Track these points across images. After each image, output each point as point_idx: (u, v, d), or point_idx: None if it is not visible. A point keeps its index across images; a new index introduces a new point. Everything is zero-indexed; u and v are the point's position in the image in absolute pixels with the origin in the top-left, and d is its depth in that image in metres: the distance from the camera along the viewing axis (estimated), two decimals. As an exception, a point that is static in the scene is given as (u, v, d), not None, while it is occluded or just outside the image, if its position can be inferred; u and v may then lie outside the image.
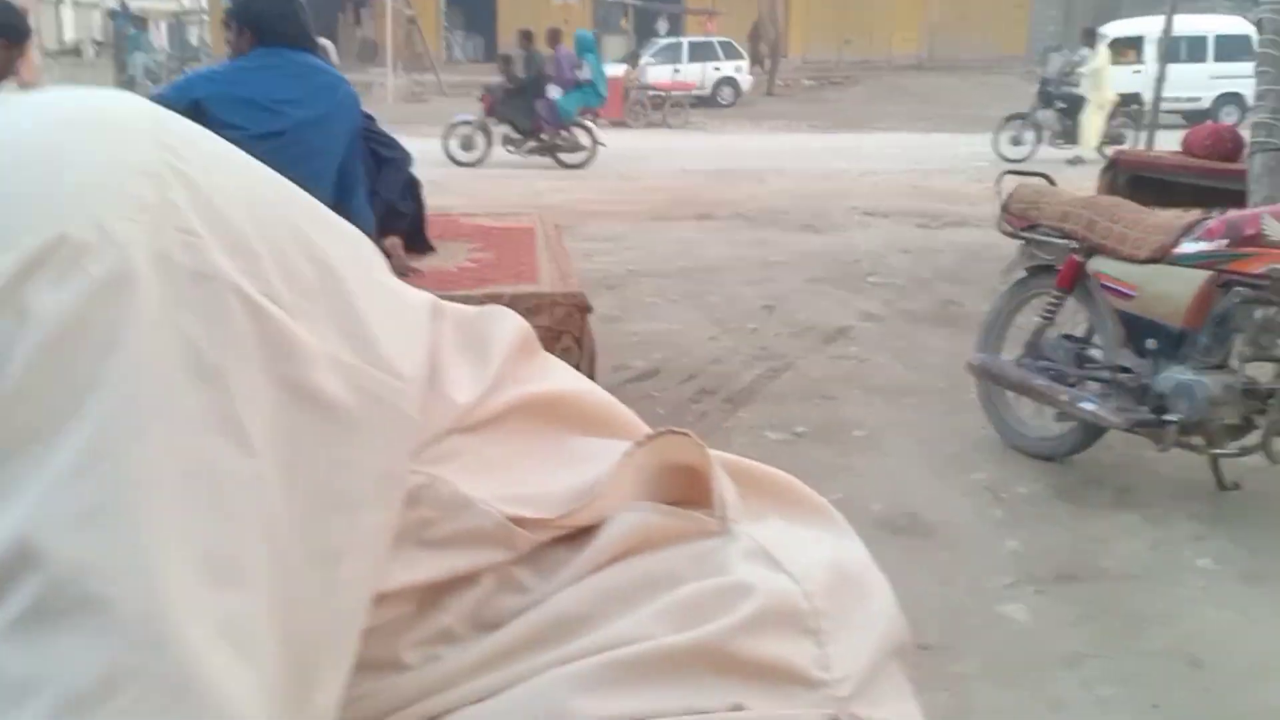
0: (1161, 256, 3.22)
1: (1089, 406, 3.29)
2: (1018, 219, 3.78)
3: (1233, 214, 3.23)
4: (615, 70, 21.04)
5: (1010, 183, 3.95)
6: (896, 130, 17.17)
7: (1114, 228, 3.40)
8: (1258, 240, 3.01)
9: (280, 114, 3.10)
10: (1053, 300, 3.60)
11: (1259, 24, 5.19)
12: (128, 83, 18.00)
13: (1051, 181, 3.95)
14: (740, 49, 24.12)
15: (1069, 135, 13.01)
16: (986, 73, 25.92)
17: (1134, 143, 12.10)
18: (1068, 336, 3.63)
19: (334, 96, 3.28)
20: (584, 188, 10.45)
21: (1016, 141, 12.82)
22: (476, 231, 4.24)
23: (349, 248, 0.58)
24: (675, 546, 0.59)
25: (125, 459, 0.44)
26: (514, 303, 2.89)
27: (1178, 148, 6.68)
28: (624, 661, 0.54)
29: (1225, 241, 3.07)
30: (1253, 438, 3.07)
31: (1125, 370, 3.30)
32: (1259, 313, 3.06)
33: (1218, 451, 3.16)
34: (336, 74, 3.45)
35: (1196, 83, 18.26)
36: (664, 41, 24.32)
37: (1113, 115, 12.80)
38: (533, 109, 12.38)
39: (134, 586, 0.43)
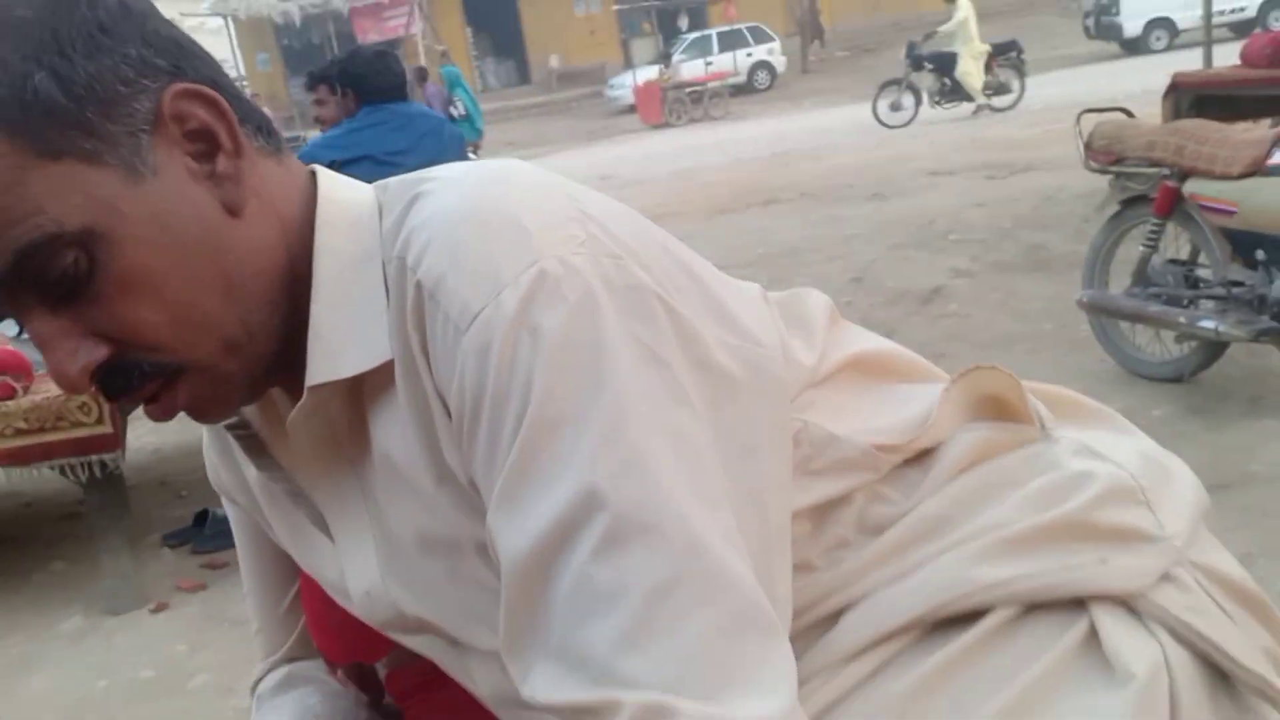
0: (1256, 169, 3.27)
1: (1209, 324, 3.34)
2: (1103, 154, 3.83)
3: (1322, 117, 3.27)
4: (649, 73, 21.24)
5: (1089, 121, 4.01)
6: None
7: (1203, 149, 3.44)
8: (1352, 137, 3.05)
9: (396, 165, 3.29)
10: (1153, 229, 3.65)
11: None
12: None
13: (1130, 114, 4.00)
14: (770, 32, 24.13)
15: (951, 94, 13.11)
16: (1020, 16, 25.62)
17: (1020, 91, 12.37)
18: (1174, 261, 3.68)
19: (440, 140, 3.48)
20: (642, 193, 10.60)
21: (896, 107, 12.89)
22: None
23: (689, 253, 0.73)
24: (1009, 454, 0.75)
25: (635, 429, 0.59)
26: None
27: (1237, 61, 6.62)
28: (1008, 538, 0.69)
29: (1320, 144, 3.11)
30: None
31: (1238, 284, 3.35)
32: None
33: (1346, 350, 3.20)
34: (439, 117, 3.65)
35: (1239, -8, 17.91)
36: (691, 36, 24.40)
37: (988, 65, 12.85)
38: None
39: (671, 514, 0.58)
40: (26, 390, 2.99)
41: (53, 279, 0.61)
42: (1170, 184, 3.53)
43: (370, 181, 0.74)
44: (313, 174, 0.72)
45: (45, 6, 0.61)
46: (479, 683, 0.75)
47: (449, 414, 0.64)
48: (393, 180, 0.71)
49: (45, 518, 4.00)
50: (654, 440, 0.59)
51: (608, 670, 0.57)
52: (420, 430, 0.66)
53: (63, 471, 2.97)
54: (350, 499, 0.73)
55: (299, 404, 0.69)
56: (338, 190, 0.72)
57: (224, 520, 3.33)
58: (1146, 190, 3.67)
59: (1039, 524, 0.69)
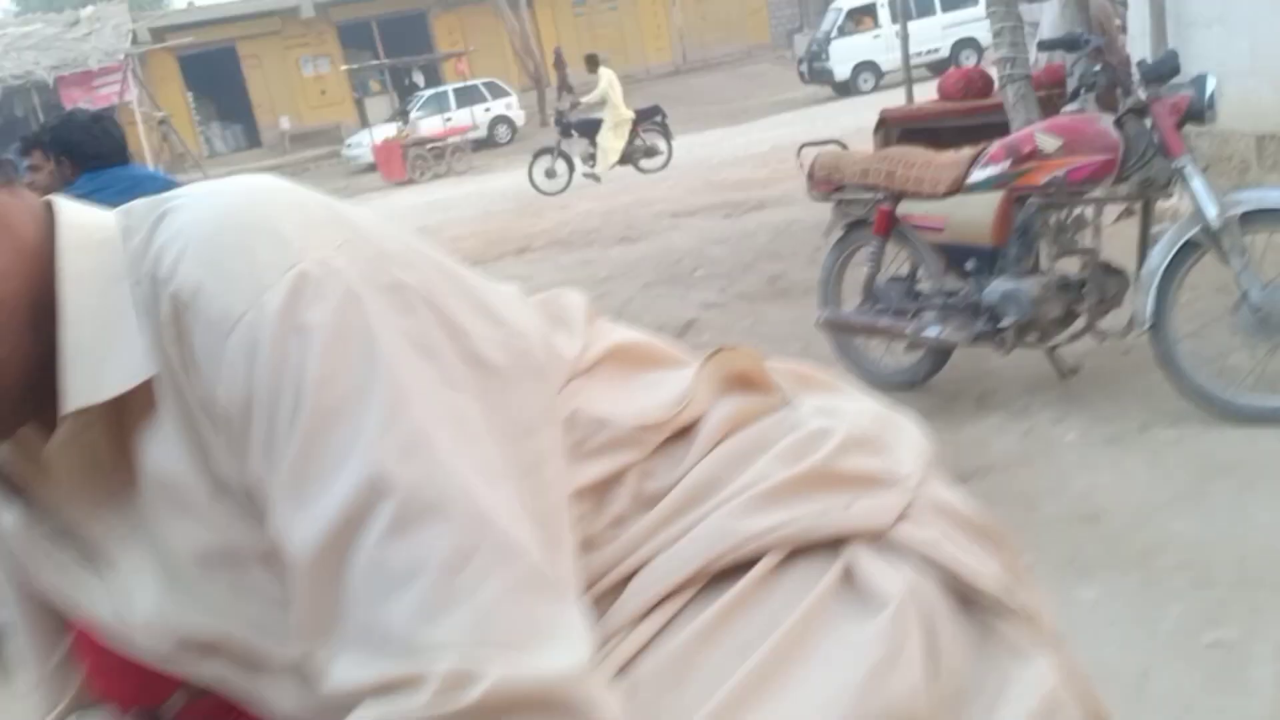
0: (958, 188, 3.61)
1: (933, 332, 3.65)
2: (824, 183, 4.14)
3: (1008, 138, 3.66)
4: (386, 131, 21.02)
5: (808, 154, 4.32)
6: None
7: (910, 173, 3.78)
8: (1034, 155, 3.42)
9: None
10: (875, 249, 3.96)
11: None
12: None
13: (844, 146, 4.33)
14: (506, 87, 24.44)
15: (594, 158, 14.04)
16: (739, 65, 27.12)
17: (668, 152, 13.56)
18: (895, 278, 4.00)
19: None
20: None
21: (550, 174, 13.59)
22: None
23: (445, 256, 0.76)
24: (758, 421, 0.82)
25: (412, 412, 0.62)
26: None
27: (935, 96, 7.27)
28: (766, 491, 0.76)
29: (1008, 162, 3.47)
30: (1079, 324, 3.49)
31: (953, 294, 3.68)
32: (1052, 217, 3.47)
33: (1052, 344, 3.56)
34: (166, 179, 3.49)
35: (932, 35, 19.67)
36: (428, 93, 24.37)
37: (634, 132, 13.77)
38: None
39: (456, 491, 0.61)
40: None
41: None
42: (885, 206, 3.85)
43: None
44: (48, 203, 0.71)
45: None
46: (276, 702, 0.74)
47: (214, 424, 0.64)
48: (136, 203, 0.71)
49: None
50: (432, 422, 0.62)
51: (409, 643, 0.58)
52: (188, 445, 0.66)
53: None
54: (119, 528, 0.71)
55: (55, 434, 0.67)
56: (78, 215, 0.71)
57: None
58: (865, 214, 3.98)
59: (791, 476, 0.76)
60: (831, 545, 0.75)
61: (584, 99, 14.27)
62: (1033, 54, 6.21)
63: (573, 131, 13.78)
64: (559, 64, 21.98)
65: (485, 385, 0.67)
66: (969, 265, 3.64)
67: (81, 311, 0.66)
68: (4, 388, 0.66)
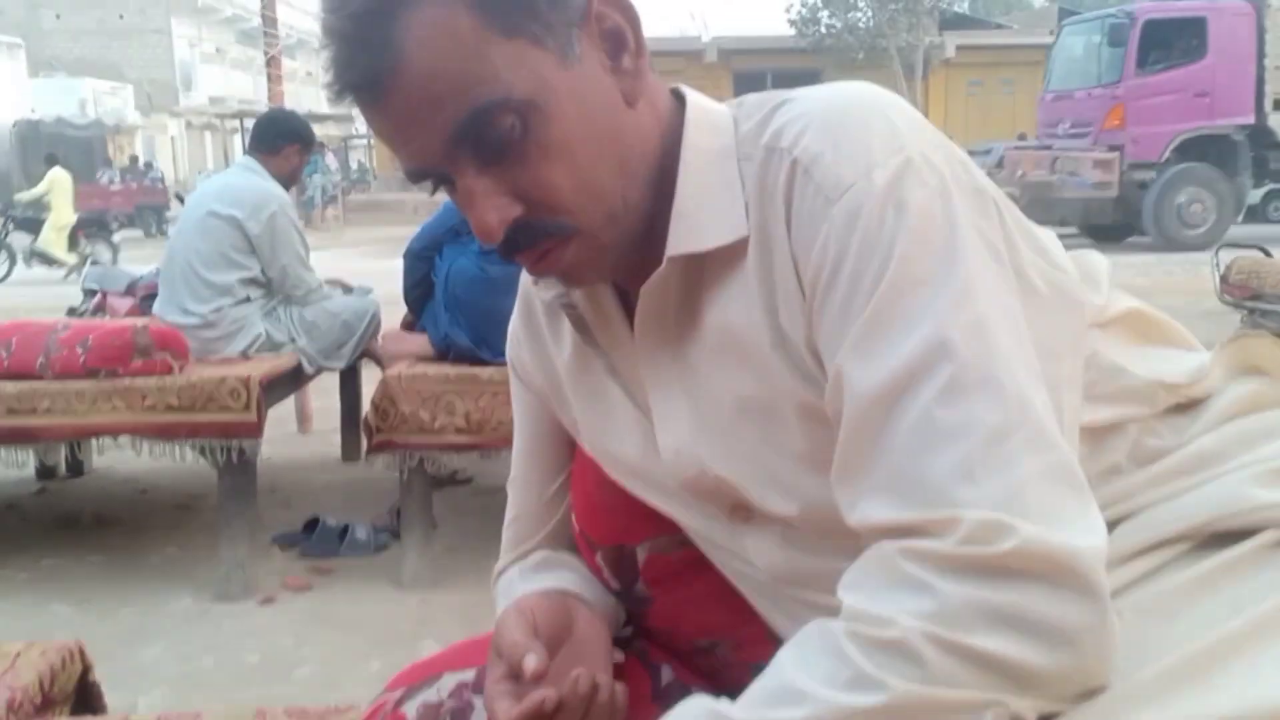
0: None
1: None
2: (1239, 289, 3.87)
3: None
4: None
5: (1226, 255, 4.04)
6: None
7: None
8: None
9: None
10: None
11: None
12: (307, 202, 19.33)
13: (1268, 254, 4.02)
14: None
15: (42, 256, 13.81)
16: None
17: (113, 262, 12.83)
18: None
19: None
20: None
21: None
22: None
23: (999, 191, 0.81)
24: (1274, 410, 0.81)
25: (978, 298, 0.68)
26: None
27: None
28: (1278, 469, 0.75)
29: None
30: None
31: None
32: None
33: None
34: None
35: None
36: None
37: (74, 236, 13.72)
38: None
39: (1008, 373, 0.66)
40: (182, 369, 3.15)
41: (491, 137, 0.72)
42: (1309, 324, 3.53)
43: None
44: (678, 89, 0.84)
45: None
46: (755, 559, 0.81)
47: (798, 279, 0.72)
48: (747, 96, 0.82)
49: (160, 505, 4.15)
50: (993, 312, 0.67)
51: (944, 494, 0.63)
52: (764, 299, 0.75)
53: (202, 452, 3.10)
54: (668, 367, 0.82)
55: (656, 271, 0.78)
56: (701, 101, 0.83)
57: (332, 530, 3.44)
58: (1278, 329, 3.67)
59: None
60: None
61: (20, 196, 15.15)
62: None
63: (11, 228, 14.20)
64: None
65: (1026, 300, 0.72)
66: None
67: (696, 175, 0.78)
68: (628, 228, 0.78)
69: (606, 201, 0.76)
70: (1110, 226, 12.69)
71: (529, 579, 0.94)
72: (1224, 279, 3.96)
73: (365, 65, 0.71)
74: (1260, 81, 12.34)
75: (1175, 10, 12.62)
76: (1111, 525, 0.75)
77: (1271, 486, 0.74)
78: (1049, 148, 13.38)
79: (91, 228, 14.38)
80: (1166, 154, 12.27)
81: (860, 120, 0.72)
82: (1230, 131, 12.34)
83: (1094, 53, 13.09)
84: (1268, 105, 12.48)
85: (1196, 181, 12.23)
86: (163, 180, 23.81)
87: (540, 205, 0.75)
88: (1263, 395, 0.82)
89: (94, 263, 10.65)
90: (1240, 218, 12.96)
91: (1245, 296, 3.84)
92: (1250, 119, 12.42)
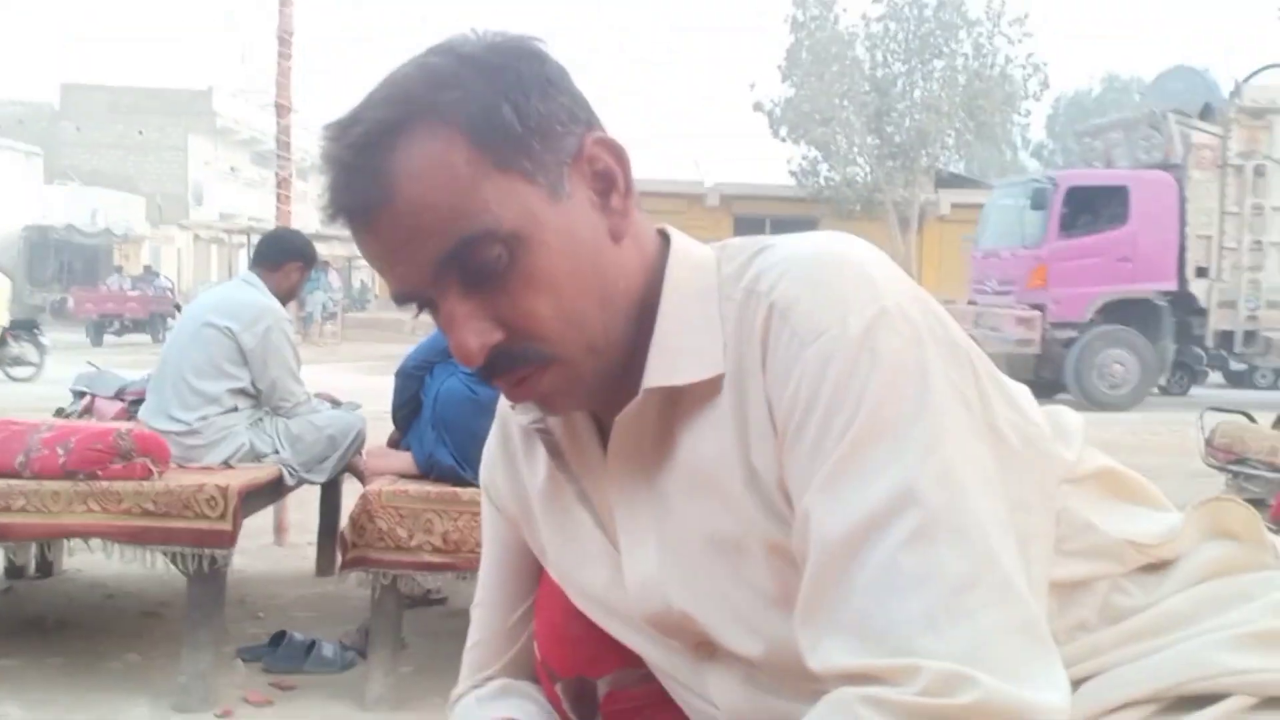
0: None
1: None
2: (1223, 453, 3.89)
3: None
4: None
5: (1211, 419, 4.07)
6: None
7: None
8: None
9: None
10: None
11: None
12: (307, 318, 19.52)
13: (1252, 419, 4.06)
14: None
15: None
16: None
17: (40, 364, 13.73)
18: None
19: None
20: None
21: None
22: None
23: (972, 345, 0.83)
24: (1245, 574, 0.81)
25: (947, 448, 0.69)
26: None
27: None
28: (1249, 634, 0.75)
29: None
30: None
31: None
32: None
33: None
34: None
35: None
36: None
37: (3, 339, 14.00)
38: None
39: (975, 524, 0.66)
40: (160, 475, 3.12)
41: (476, 266, 0.74)
42: (1292, 493, 3.54)
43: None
44: (663, 230, 0.87)
45: (512, 57, 0.77)
46: (716, 698, 0.80)
47: (771, 419, 0.73)
48: (730, 240, 0.85)
49: (126, 611, 4.06)
50: (962, 462, 0.68)
51: (906, 642, 0.63)
52: (738, 436, 0.75)
53: (174, 559, 3.05)
54: (640, 498, 0.82)
55: (632, 401, 0.79)
56: (685, 242, 0.86)
57: (299, 644, 3.36)
58: (1264, 495, 3.67)
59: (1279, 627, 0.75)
60: None
61: None
62: None
63: None
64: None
65: (998, 452, 0.72)
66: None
67: (676, 310, 0.80)
68: (607, 360, 0.80)
69: (587, 332, 0.77)
70: (1034, 382, 12.81)
71: (485, 707, 0.93)
72: (1209, 442, 3.99)
73: (360, 193, 0.74)
74: (1182, 249, 12.63)
75: (1098, 179, 13.14)
76: (1078, 683, 0.74)
77: (1241, 652, 0.74)
78: (974, 303, 13.66)
79: (19, 331, 14.67)
80: (1089, 314, 12.53)
81: (838, 270, 0.74)
82: (1152, 296, 12.61)
83: (1020, 215, 13.43)
84: (1190, 272, 12.71)
85: (1119, 343, 12.47)
86: (172, 289, 24.32)
87: (521, 332, 0.76)
88: (1234, 559, 0.82)
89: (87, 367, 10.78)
90: (1163, 379, 13.22)
91: (1230, 460, 3.86)
92: (1173, 285, 12.71)
